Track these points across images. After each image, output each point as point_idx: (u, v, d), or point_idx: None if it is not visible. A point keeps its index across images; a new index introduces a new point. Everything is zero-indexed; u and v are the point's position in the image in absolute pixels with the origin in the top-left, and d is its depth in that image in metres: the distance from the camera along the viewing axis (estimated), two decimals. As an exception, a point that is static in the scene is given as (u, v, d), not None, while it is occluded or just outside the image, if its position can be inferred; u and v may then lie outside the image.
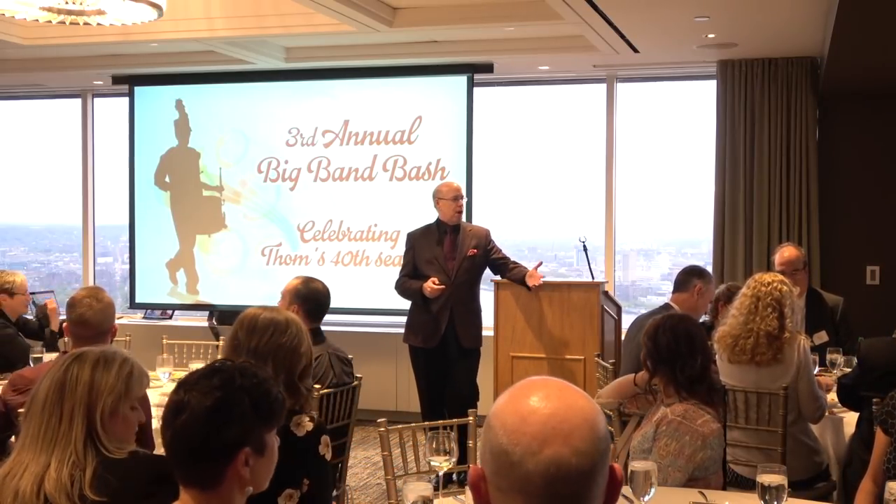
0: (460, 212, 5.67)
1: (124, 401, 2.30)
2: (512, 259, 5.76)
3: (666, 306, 4.59)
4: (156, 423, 3.59)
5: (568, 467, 1.23)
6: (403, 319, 5.86)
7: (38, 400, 2.25)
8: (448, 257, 5.61)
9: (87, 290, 3.66)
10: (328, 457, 2.65)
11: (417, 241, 5.73)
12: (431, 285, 5.45)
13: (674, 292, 4.70)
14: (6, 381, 3.83)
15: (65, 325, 3.56)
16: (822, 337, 4.89)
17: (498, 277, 5.82)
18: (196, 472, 1.81)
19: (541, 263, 5.70)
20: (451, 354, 5.62)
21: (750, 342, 3.85)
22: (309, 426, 2.62)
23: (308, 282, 4.25)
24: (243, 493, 1.85)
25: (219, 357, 4.34)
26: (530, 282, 5.52)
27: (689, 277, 4.63)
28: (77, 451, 2.18)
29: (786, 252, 5.02)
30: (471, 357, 5.67)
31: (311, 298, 4.16)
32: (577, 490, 1.25)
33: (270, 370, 2.66)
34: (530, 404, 1.27)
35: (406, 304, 6.10)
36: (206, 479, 1.81)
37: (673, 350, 3.11)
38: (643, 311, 5.33)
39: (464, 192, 5.83)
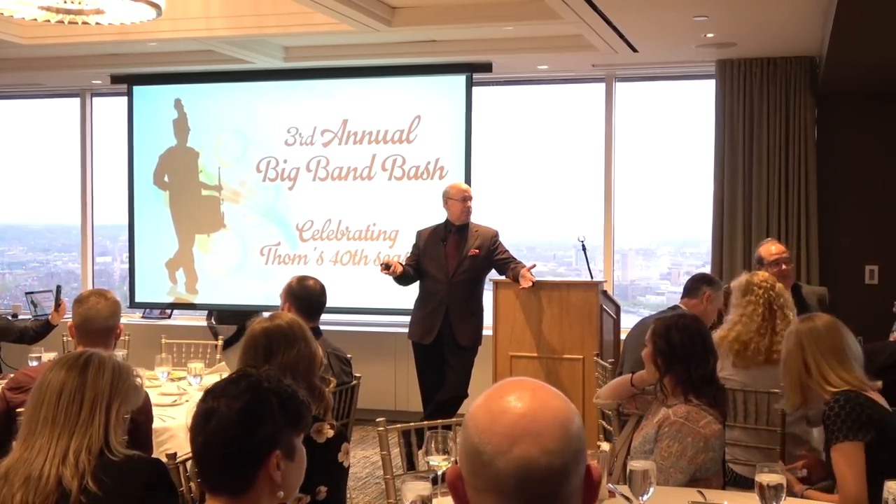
0: (468, 212, 5.79)
1: (124, 407, 2.34)
2: (515, 259, 5.80)
3: (675, 307, 4.60)
4: (156, 423, 3.60)
5: (538, 466, 1.24)
6: (402, 319, 5.90)
7: (52, 389, 2.24)
8: (449, 256, 5.73)
9: (94, 290, 3.69)
10: (347, 464, 2.64)
11: (423, 240, 5.88)
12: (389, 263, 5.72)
13: (682, 297, 4.71)
14: (6, 380, 3.82)
15: (69, 324, 3.56)
16: None
17: (500, 277, 5.84)
18: (228, 477, 1.82)
19: (534, 266, 5.73)
20: (448, 351, 5.69)
21: (765, 342, 3.89)
22: (330, 433, 2.62)
23: (302, 280, 4.28)
24: (273, 498, 1.86)
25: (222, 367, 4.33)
26: (521, 283, 5.57)
27: (698, 284, 4.65)
28: (96, 440, 2.19)
29: (772, 247, 5.14)
30: (467, 354, 5.71)
31: (304, 296, 4.19)
32: (550, 490, 1.25)
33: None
34: (503, 404, 1.28)
35: (406, 303, 6.14)
36: (237, 485, 1.82)
37: (688, 348, 3.09)
38: (642, 310, 5.34)
39: (471, 193, 5.89)
